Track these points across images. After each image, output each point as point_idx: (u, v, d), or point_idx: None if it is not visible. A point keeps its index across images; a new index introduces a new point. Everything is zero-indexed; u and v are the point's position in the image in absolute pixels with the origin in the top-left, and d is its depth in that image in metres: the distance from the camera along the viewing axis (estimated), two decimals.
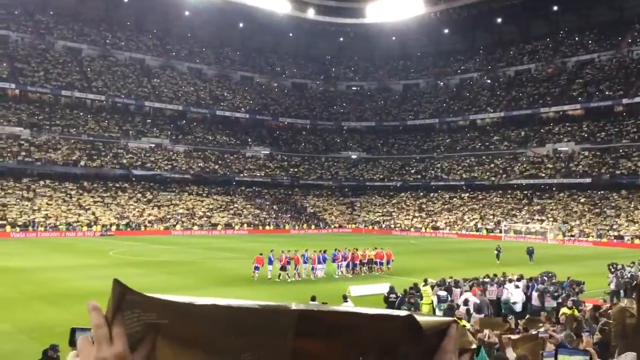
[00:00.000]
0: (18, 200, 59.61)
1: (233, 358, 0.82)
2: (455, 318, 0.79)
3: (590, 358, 6.27)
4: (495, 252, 36.68)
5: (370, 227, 73.49)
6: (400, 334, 0.82)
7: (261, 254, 28.45)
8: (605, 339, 8.05)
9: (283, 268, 27.86)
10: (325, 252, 29.96)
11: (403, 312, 0.83)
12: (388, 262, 31.30)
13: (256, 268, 27.78)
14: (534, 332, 10.12)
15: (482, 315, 16.13)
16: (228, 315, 0.82)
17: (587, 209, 62.96)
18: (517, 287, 19.91)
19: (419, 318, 0.83)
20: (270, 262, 28.09)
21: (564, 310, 15.10)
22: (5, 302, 21.21)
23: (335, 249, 30.60)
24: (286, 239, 50.25)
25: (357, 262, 30.57)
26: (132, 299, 0.86)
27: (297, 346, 0.82)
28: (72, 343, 2.29)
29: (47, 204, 60.58)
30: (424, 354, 0.83)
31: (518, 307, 18.67)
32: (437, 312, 17.77)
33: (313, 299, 16.13)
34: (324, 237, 56.50)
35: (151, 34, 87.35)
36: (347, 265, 30.20)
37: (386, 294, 18.85)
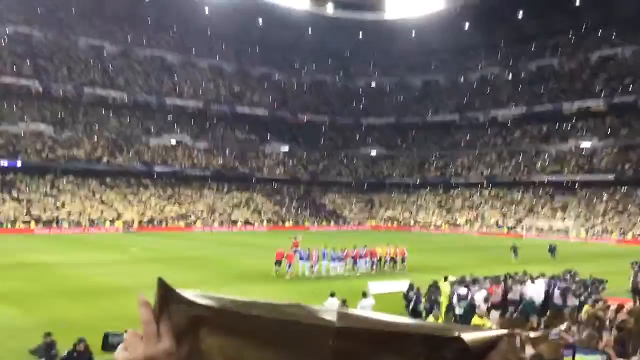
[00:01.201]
0: (42, 196, 60.54)
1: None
2: (508, 331, 0.80)
3: (608, 358, 6.21)
4: (512, 250, 36.34)
5: (389, 224, 73.30)
6: (448, 355, 0.80)
7: (282, 249, 28.56)
8: (622, 337, 7.95)
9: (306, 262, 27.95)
10: (343, 250, 29.90)
11: (451, 331, 0.80)
12: (403, 260, 31.06)
13: (277, 263, 27.83)
14: (548, 332, 10.05)
15: (498, 314, 16.01)
16: (267, 326, 0.84)
17: (610, 206, 62.08)
18: (536, 285, 19.74)
19: (468, 336, 0.80)
20: (301, 257, 28.19)
21: (586, 308, 14.95)
22: (28, 298, 21.56)
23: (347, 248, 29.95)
24: (305, 236, 50.33)
25: (376, 258, 30.45)
26: (177, 296, 0.88)
27: None
28: (106, 347, 2.32)
29: (71, 200, 61.44)
30: None
31: (538, 305, 18.49)
32: (457, 309, 17.71)
33: (332, 295, 16.15)
34: (342, 234, 56.49)
35: (172, 31, 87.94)
36: (365, 263, 29.98)
37: (405, 291, 18.80)
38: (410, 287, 18.64)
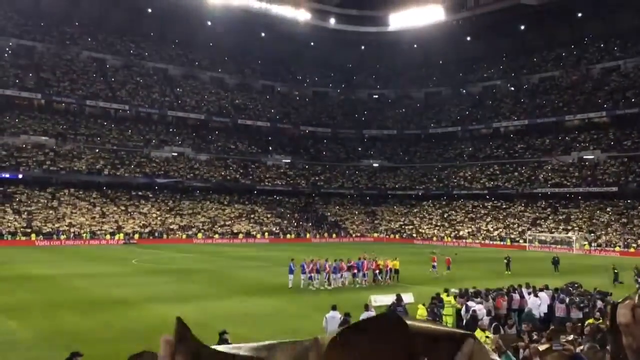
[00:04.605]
0: (43, 208, 60.47)
1: None
2: (472, 333, 0.82)
3: None
4: (505, 261, 36.16)
5: (391, 235, 73.01)
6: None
7: (293, 261, 28.56)
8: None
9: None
10: (347, 260, 29.72)
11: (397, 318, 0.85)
12: (395, 272, 30.96)
13: (309, 277, 28.07)
14: (552, 343, 9.89)
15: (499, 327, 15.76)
16: None
17: (613, 219, 61.76)
18: (540, 297, 19.58)
19: (413, 323, 0.85)
20: (291, 271, 27.95)
21: (590, 321, 14.71)
22: (28, 309, 21.39)
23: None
24: (307, 248, 50.14)
25: (378, 271, 30.29)
26: (191, 337, 0.92)
27: None
28: None
29: (72, 212, 61.35)
30: None
31: (540, 317, 18.30)
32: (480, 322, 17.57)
33: (334, 308, 15.97)
34: (343, 246, 56.23)
35: (174, 44, 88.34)
36: (363, 275, 29.79)
37: (393, 302, 18.50)
38: (398, 299, 18.37)
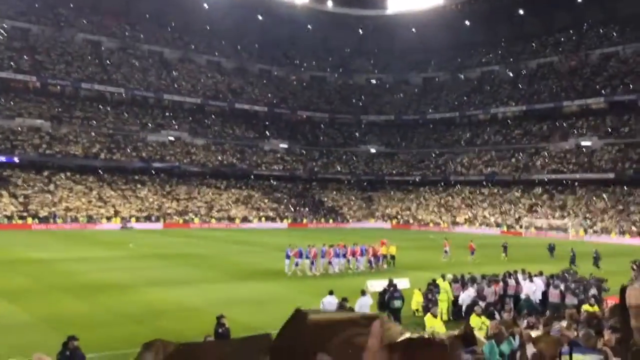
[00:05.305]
0: (39, 192, 60.30)
1: None
2: (377, 314, 0.82)
3: (605, 357, 6.03)
4: (502, 248, 36.35)
5: (388, 221, 73.13)
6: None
7: (290, 246, 28.38)
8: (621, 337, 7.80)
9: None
10: (345, 246, 29.77)
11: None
12: (392, 257, 31.05)
13: (295, 263, 27.70)
14: (549, 328, 9.94)
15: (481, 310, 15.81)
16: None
17: (610, 205, 61.92)
18: (535, 283, 19.68)
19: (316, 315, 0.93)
20: (288, 256, 27.94)
21: (585, 307, 14.78)
22: (25, 293, 21.39)
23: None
24: (304, 233, 50.20)
25: (376, 256, 30.31)
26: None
27: None
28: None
29: (68, 196, 61.21)
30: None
31: (536, 303, 18.38)
32: (464, 308, 17.66)
33: (331, 293, 15.99)
34: (341, 232, 56.27)
35: (170, 26, 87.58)
36: (357, 260, 29.82)
37: (385, 287, 18.48)
38: (389, 283, 18.37)
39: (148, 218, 61.93)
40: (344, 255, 29.23)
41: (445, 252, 35.31)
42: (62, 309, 18.76)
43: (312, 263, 28.01)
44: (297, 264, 27.72)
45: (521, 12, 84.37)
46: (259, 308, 19.36)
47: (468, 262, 32.25)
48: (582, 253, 33.00)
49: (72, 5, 79.81)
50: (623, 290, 0.88)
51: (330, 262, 28.62)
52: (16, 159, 61.82)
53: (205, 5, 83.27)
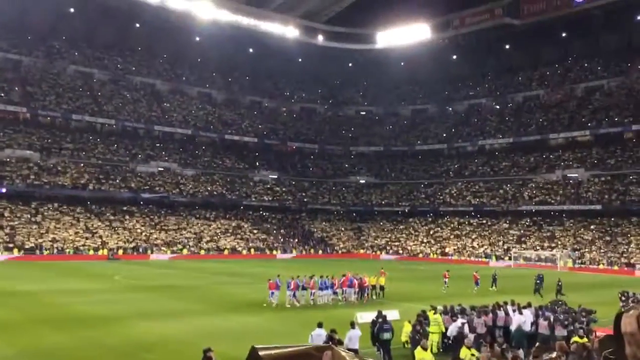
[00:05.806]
0: (26, 223, 59.73)
1: None
2: (329, 345, 0.84)
3: None
4: (492, 278, 36.38)
5: (378, 252, 72.96)
6: None
7: (272, 279, 28.00)
8: None
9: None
10: (332, 277, 29.62)
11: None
12: (381, 288, 30.98)
13: (272, 294, 27.35)
14: None
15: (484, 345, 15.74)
16: None
17: (597, 236, 62.27)
18: (524, 315, 19.62)
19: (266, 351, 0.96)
20: (278, 287, 27.71)
21: (575, 339, 14.77)
22: (10, 326, 21.06)
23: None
24: (294, 264, 49.91)
25: (362, 287, 30.16)
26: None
27: None
28: None
29: (55, 227, 60.65)
30: None
31: (526, 335, 18.32)
32: (452, 340, 17.58)
33: (320, 325, 15.88)
34: (330, 263, 56.00)
35: (162, 58, 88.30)
36: (355, 293, 29.68)
37: (374, 318, 18.39)
38: (379, 314, 18.29)
39: (136, 249, 61.40)
40: (332, 287, 29.05)
41: (445, 282, 35.47)
42: (46, 343, 18.49)
43: (293, 295, 27.72)
44: (272, 294, 27.22)
45: (507, 46, 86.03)
46: (247, 341, 19.15)
47: (472, 294, 32.30)
48: (569, 284, 33.06)
49: (64, 37, 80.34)
50: (618, 317, 0.89)
51: (312, 294, 28.28)
52: (4, 190, 61.36)
53: (197, 37, 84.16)
